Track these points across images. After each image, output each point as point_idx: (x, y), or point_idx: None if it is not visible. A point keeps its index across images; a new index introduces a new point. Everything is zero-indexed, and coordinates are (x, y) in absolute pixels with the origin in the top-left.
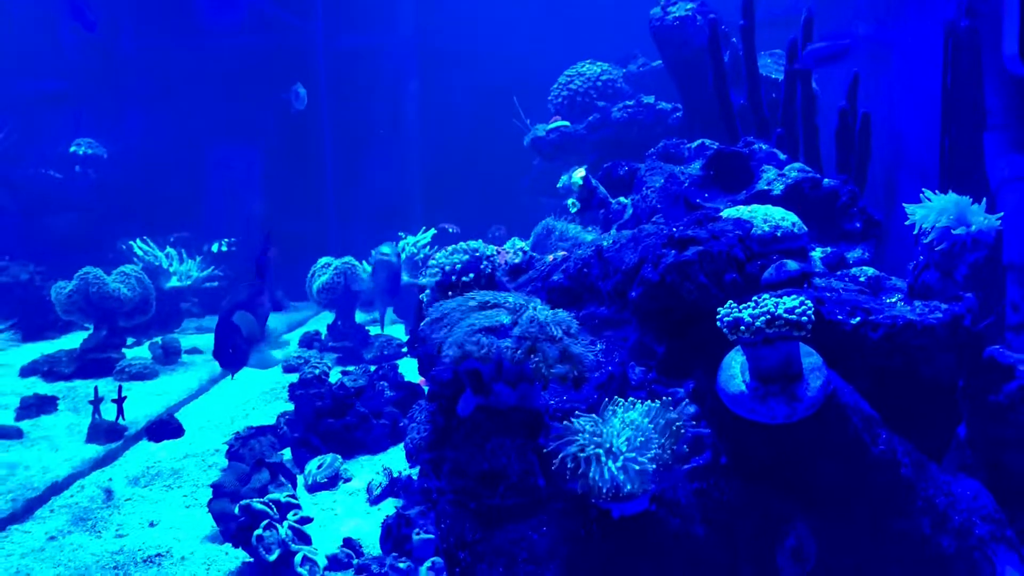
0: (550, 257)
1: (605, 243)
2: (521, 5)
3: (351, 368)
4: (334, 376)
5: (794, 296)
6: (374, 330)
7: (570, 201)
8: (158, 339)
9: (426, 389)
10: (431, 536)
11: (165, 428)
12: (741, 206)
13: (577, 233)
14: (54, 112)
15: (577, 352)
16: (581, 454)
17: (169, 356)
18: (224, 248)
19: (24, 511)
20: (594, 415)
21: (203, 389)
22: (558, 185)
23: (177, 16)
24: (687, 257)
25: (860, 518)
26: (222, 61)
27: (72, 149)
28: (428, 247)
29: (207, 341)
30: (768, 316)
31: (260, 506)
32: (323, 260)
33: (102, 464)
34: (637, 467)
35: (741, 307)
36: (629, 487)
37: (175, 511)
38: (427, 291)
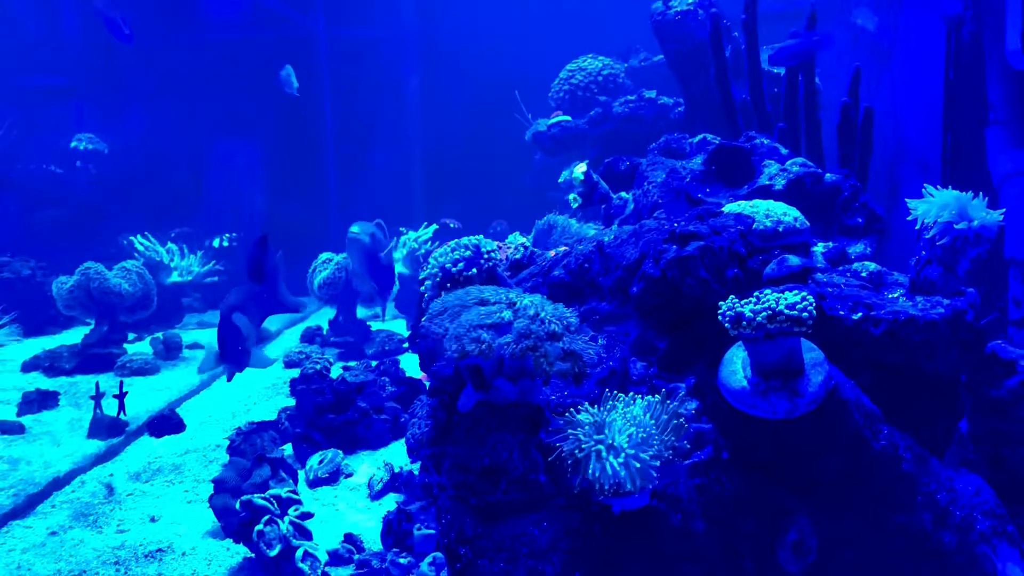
0: (551, 252)
1: (606, 238)
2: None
3: (352, 363)
4: (335, 371)
5: (796, 291)
6: (376, 325)
7: (571, 196)
8: (159, 334)
9: (427, 384)
10: (432, 531)
11: (166, 423)
12: (743, 201)
13: (578, 228)
14: (55, 107)
15: (578, 348)
16: (580, 452)
17: (170, 351)
18: (225, 243)
19: (25, 506)
20: (596, 410)
21: (204, 384)
22: (559, 180)
23: (178, 11)
24: (688, 252)
25: (861, 513)
26: (223, 55)
27: (73, 144)
28: (429, 242)
29: (208, 336)
30: (770, 311)
31: (261, 501)
32: (324, 255)
33: (103, 459)
34: (639, 464)
35: (743, 302)
36: (631, 485)
37: (176, 506)
38: (427, 285)
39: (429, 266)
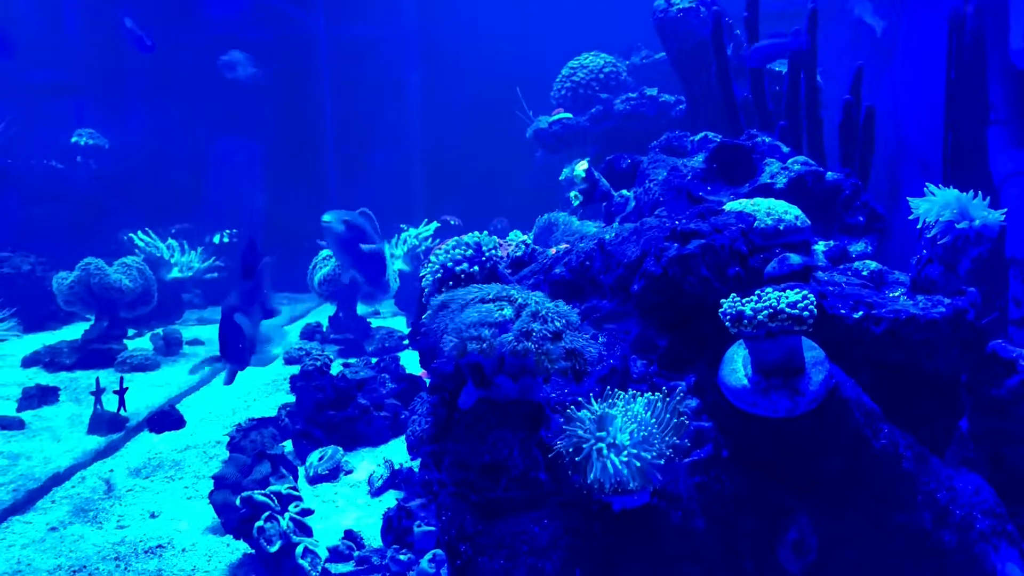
0: (552, 250)
1: (607, 236)
2: None
3: (353, 360)
4: (335, 368)
5: (797, 290)
6: (376, 322)
7: (573, 194)
8: (159, 330)
9: (427, 381)
10: (432, 528)
11: (166, 419)
12: (744, 199)
13: (579, 226)
14: (56, 102)
15: (579, 346)
16: (581, 451)
17: (170, 347)
18: (226, 239)
19: (25, 502)
20: (596, 408)
21: (204, 381)
22: (560, 178)
23: (179, 8)
24: (689, 250)
25: (861, 512)
26: (224, 52)
27: (73, 139)
28: (430, 239)
29: (209, 332)
30: (770, 310)
31: (261, 498)
32: (324, 252)
33: (103, 455)
34: (640, 463)
35: (744, 301)
36: (633, 483)
37: (176, 502)
38: (428, 282)
39: (430, 264)
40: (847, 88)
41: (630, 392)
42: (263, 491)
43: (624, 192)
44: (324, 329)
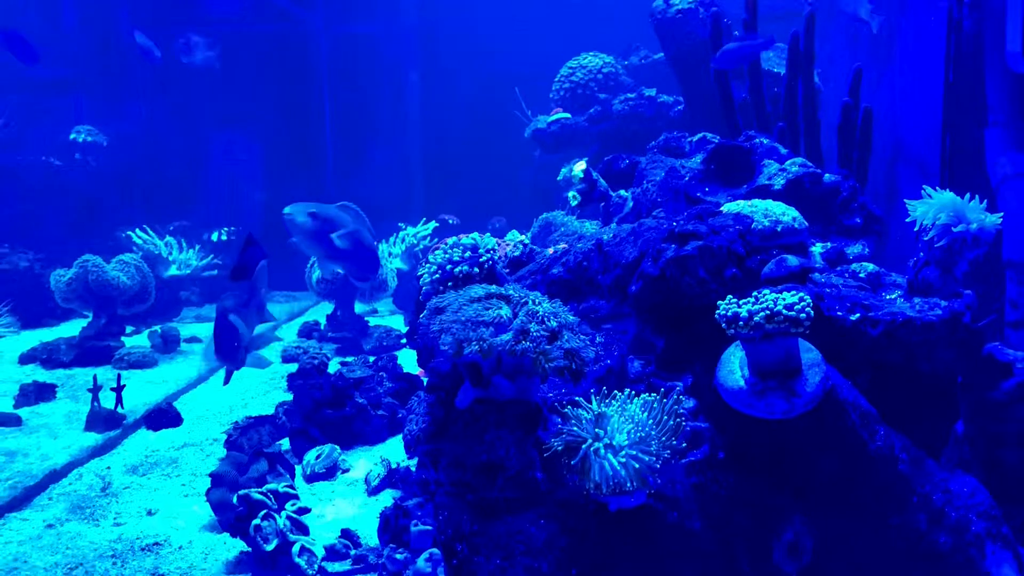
0: (550, 250)
1: (605, 237)
2: None
3: (350, 359)
4: (333, 367)
5: (794, 292)
6: (373, 321)
7: (571, 194)
8: (157, 328)
9: (425, 381)
10: (429, 528)
11: (164, 417)
12: (742, 200)
13: (578, 226)
14: (54, 99)
15: (576, 346)
16: (579, 450)
17: (168, 345)
18: (224, 237)
19: (22, 499)
20: (593, 408)
21: (202, 378)
22: (559, 178)
23: (178, 4)
24: (687, 252)
25: (857, 513)
26: (223, 49)
27: (72, 136)
28: (428, 238)
29: (206, 330)
30: (767, 312)
31: (259, 496)
32: None
33: (100, 452)
34: (637, 464)
35: (741, 302)
36: (630, 484)
37: (173, 500)
38: (426, 282)
39: (428, 264)
40: (845, 90)
41: (627, 392)
42: (260, 489)
43: (622, 192)
44: (322, 327)
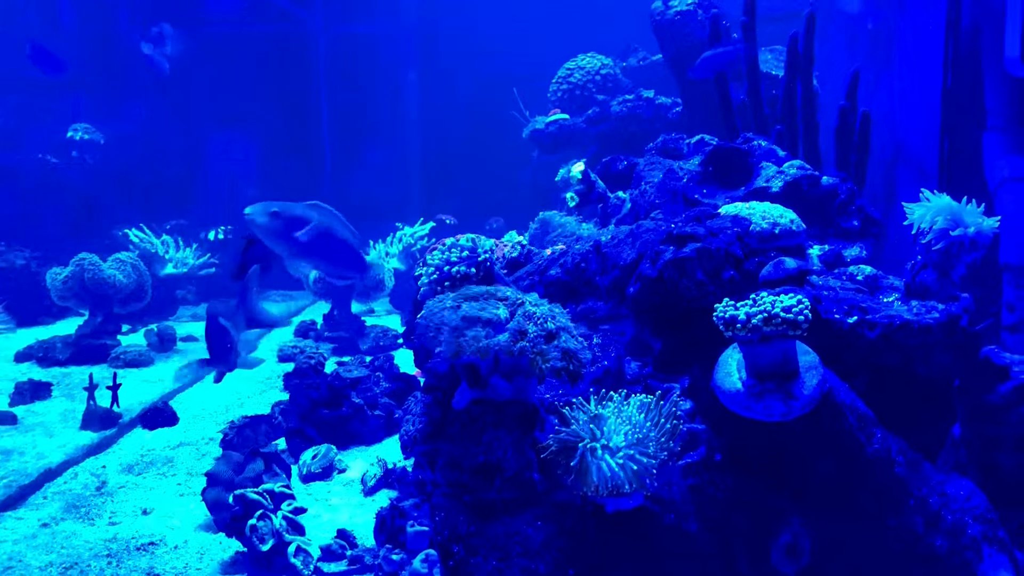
0: (548, 251)
1: (603, 238)
2: None
3: (347, 359)
4: (329, 366)
5: (791, 295)
6: (370, 321)
7: (568, 195)
8: (153, 326)
9: (422, 381)
10: (425, 528)
11: (160, 416)
12: (740, 203)
13: (575, 227)
14: (52, 97)
15: (573, 347)
16: (576, 450)
17: (164, 343)
18: (220, 236)
19: (17, 497)
20: (590, 409)
21: (198, 378)
22: (557, 179)
23: (176, 3)
24: (685, 254)
25: (854, 516)
26: (221, 48)
27: (69, 134)
28: (425, 238)
29: (202, 329)
30: (765, 314)
31: (255, 496)
32: None
33: (96, 451)
34: (635, 465)
35: (738, 305)
36: (628, 486)
37: (169, 499)
38: (424, 282)
39: (426, 264)
40: (843, 92)
41: (622, 392)
42: (256, 489)
43: (620, 194)
44: (319, 327)
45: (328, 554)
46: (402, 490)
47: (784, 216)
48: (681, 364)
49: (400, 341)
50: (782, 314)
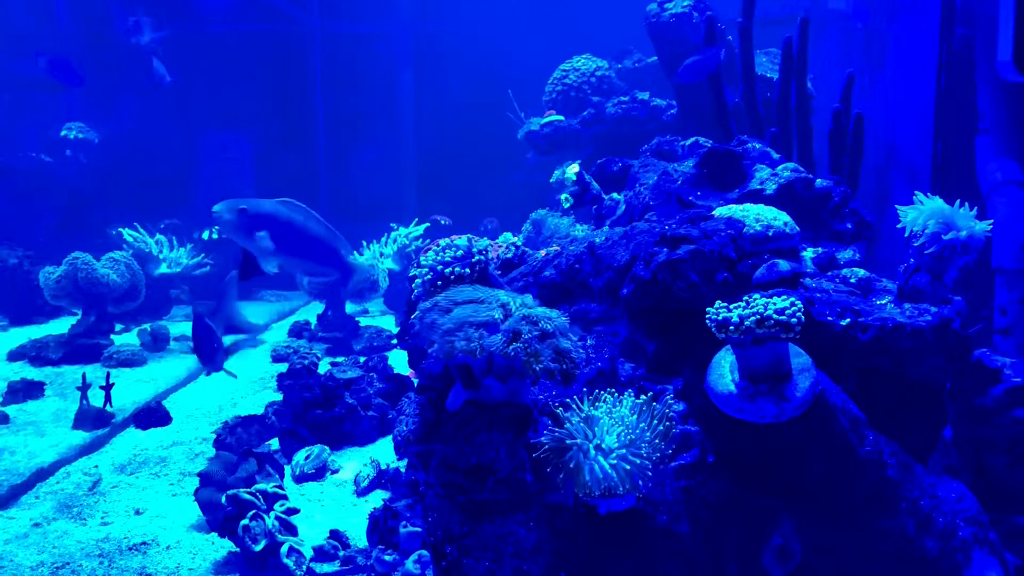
0: (542, 252)
1: (597, 239)
2: None
3: (340, 359)
4: (323, 367)
5: (784, 297)
6: (364, 321)
7: (563, 196)
8: (147, 326)
9: (415, 382)
10: (418, 529)
11: (153, 415)
12: (733, 205)
13: (569, 229)
14: (46, 95)
15: (567, 348)
16: (569, 451)
17: (158, 343)
18: (215, 236)
19: (9, 497)
20: (583, 410)
21: (191, 377)
22: (552, 180)
23: (172, 2)
24: (679, 255)
25: (846, 518)
26: (216, 48)
27: (63, 133)
28: (420, 239)
29: None
30: (758, 316)
31: (248, 496)
32: None
33: (88, 451)
34: (628, 466)
35: (731, 307)
36: (621, 488)
37: (161, 499)
38: (418, 283)
39: (420, 265)
40: (838, 95)
41: (614, 393)
42: (249, 489)
43: (615, 195)
44: (312, 327)
45: (321, 554)
46: (395, 491)
47: (778, 219)
48: (674, 366)
49: (394, 342)
50: (775, 316)
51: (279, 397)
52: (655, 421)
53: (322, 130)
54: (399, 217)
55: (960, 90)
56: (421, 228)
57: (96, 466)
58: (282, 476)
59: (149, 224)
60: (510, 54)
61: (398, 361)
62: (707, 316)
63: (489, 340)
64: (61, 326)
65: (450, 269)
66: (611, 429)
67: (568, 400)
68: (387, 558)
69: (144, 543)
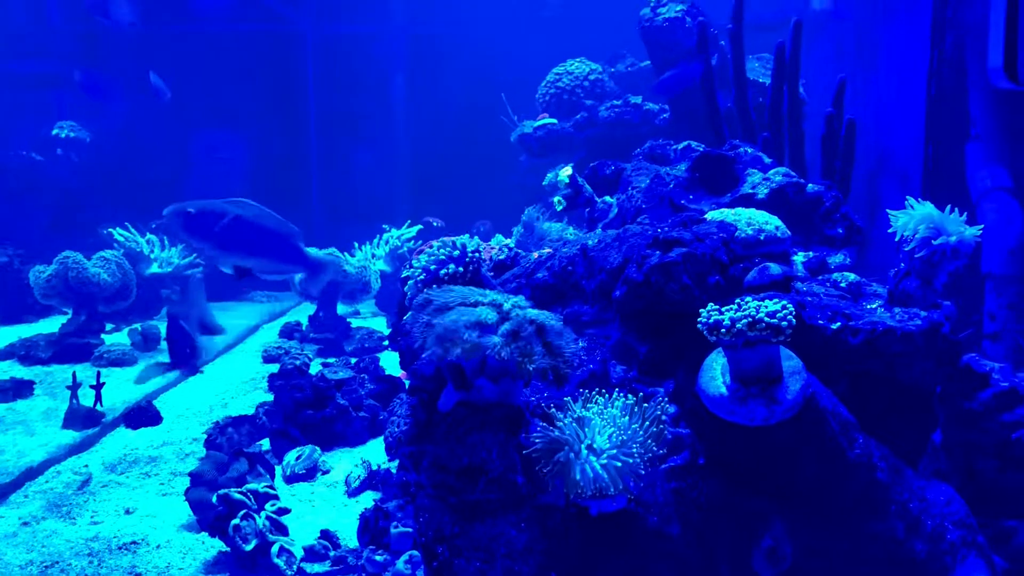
0: (535, 254)
1: (590, 242)
2: (511, 1)
3: (332, 360)
4: (314, 368)
5: (776, 300)
6: (356, 322)
7: (556, 199)
8: (138, 325)
9: (407, 383)
10: (409, 530)
11: (143, 415)
12: (726, 209)
13: (562, 231)
14: (37, 94)
15: (560, 349)
16: (562, 451)
17: (148, 343)
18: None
19: None
20: (575, 411)
21: (182, 377)
22: (544, 183)
23: (166, 2)
24: (671, 258)
25: (836, 520)
26: (209, 48)
27: (54, 132)
28: (412, 240)
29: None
30: (749, 319)
31: (238, 496)
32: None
33: (78, 450)
34: (619, 464)
35: (723, 309)
36: (612, 489)
37: (152, 499)
38: (410, 284)
39: (413, 267)
40: (829, 101)
41: (605, 394)
42: (240, 489)
43: (607, 199)
44: (304, 328)
45: (311, 554)
46: (386, 491)
47: (769, 223)
48: (666, 368)
49: (386, 343)
50: (766, 319)
51: (270, 397)
52: (647, 422)
53: (314, 131)
54: (392, 219)
55: (952, 96)
56: (413, 230)
57: (86, 465)
58: (273, 476)
59: (140, 224)
60: (503, 57)
61: (389, 362)
62: (699, 319)
63: (481, 341)
64: (51, 325)
65: (444, 270)
66: (602, 430)
67: (560, 401)
68: (378, 558)
69: (134, 542)
